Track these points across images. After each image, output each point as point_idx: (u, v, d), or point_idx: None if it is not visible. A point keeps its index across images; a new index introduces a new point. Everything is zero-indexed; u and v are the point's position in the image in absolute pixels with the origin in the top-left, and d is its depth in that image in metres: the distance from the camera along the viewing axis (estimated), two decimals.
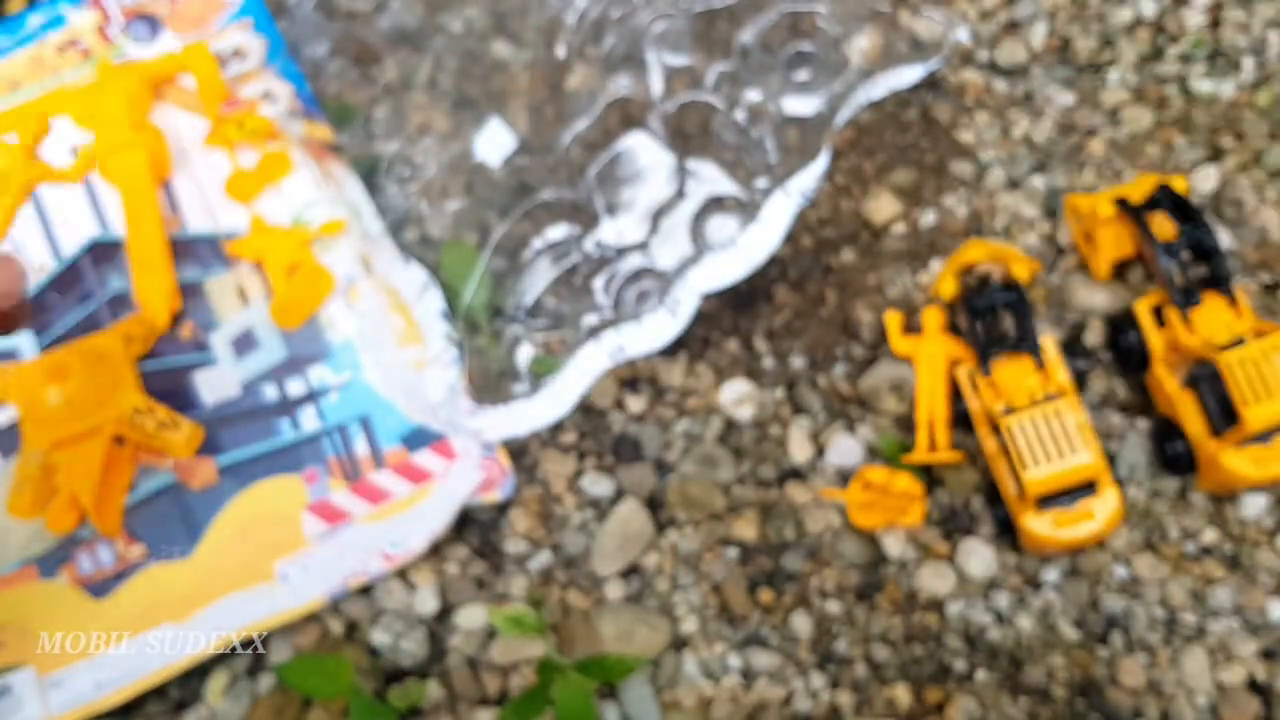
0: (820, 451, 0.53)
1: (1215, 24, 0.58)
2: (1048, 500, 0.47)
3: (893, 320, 0.53)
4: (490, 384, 0.55)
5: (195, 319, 0.56)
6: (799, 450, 0.53)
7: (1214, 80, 0.57)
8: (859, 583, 0.50)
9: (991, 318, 0.51)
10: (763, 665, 0.49)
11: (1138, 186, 0.50)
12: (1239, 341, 0.46)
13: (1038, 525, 0.47)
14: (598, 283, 0.56)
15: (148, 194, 0.57)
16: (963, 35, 0.57)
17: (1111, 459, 0.50)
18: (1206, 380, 0.48)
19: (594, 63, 0.59)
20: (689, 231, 0.56)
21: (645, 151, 0.56)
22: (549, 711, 0.47)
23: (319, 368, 0.55)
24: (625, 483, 0.53)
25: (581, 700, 0.47)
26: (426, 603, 0.51)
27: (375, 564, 0.51)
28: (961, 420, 0.51)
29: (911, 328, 0.54)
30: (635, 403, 0.55)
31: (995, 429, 0.49)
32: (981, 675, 0.48)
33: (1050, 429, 0.46)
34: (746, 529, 0.52)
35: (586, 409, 0.55)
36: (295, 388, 0.55)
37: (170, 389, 0.55)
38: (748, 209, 0.55)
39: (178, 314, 0.56)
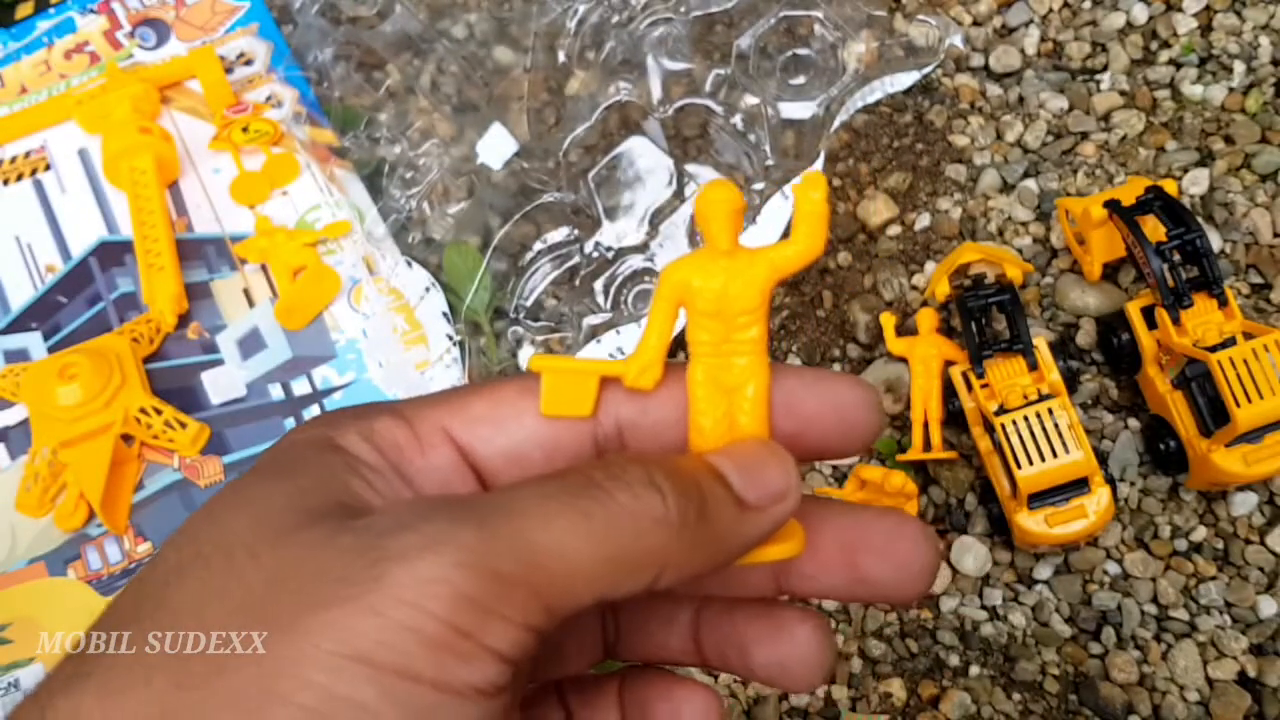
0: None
1: (1206, 29, 0.59)
2: (1040, 498, 0.48)
3: (888, 321, 0.54)
4: None
5: (202, 320, 0.57)
6: None
7: (1205, 85, 0.58)
8: None
9: (985, 319, 0.52)
10: None
11: (1129, 189, 0.51)
12: (1229, 342, 0.47)
13: (1030, 523, 0.47)
14: (598, 284, 0.56)
15: (155, 196, 0.58)
16: (957, 40, 0.58)
17: (1103, 458, 0.51)
18: (1197, 380, 0.48)
19: (594, 68, 0.60)
20: (687, 234, 0.57)
21: (644, 155, 0.57)
22: None
23: (324, 368, 0.56)
24: None
25: None
26: None
27: None
28: (955, 419, 0.52)
29: (907, 329, 0.55)
30: None
31: (989, 428, 0.49)
32: (975, 670, 0.49)
33: (1043, 428, 0.47)
34: None
35: None
36: (300, 388, 0.56)
37: (177, 389, 0.55)
38: (745, 211, 0.56)
39: (184, 315, 0.57)
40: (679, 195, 0.57)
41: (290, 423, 0.55)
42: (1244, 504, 0.49)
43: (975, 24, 0.61)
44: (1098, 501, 0.47)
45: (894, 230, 0.58)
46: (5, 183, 0.61)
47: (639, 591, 0.20)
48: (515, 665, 0.18)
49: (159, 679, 0.17)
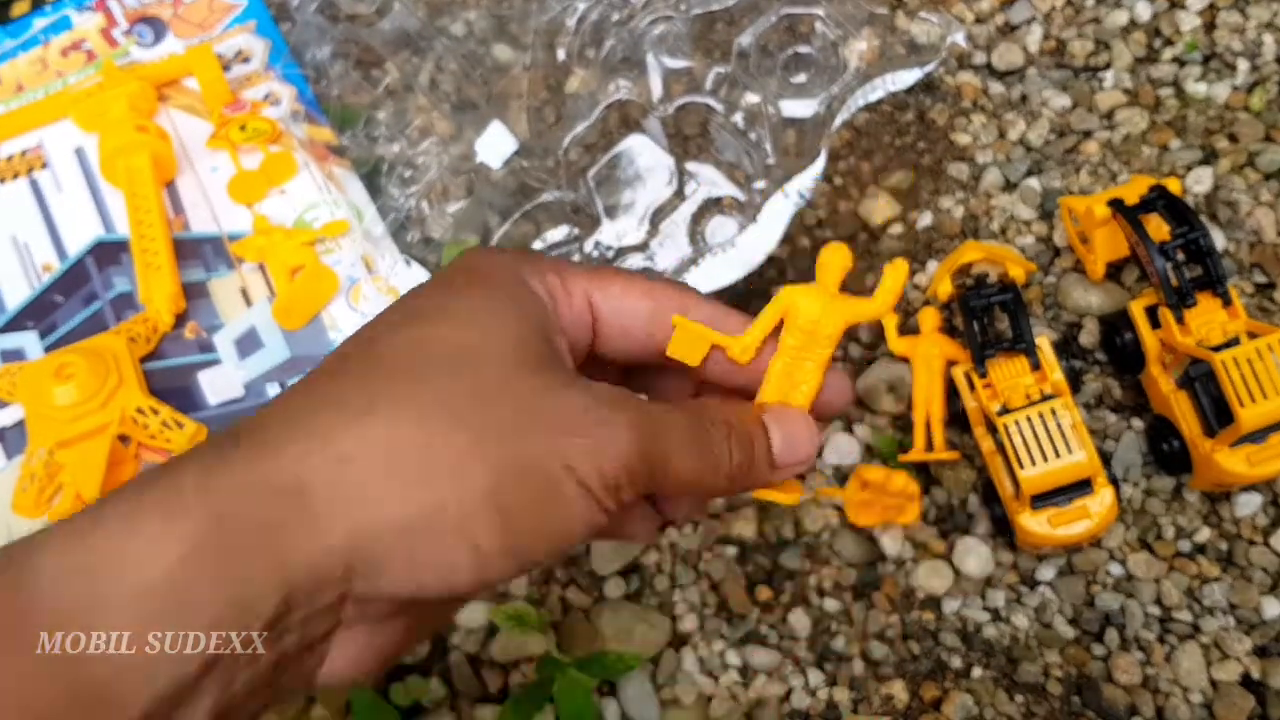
0: (818, 450, 0.53)
1: (1210, 27, 0.59)
2: (1043, 499, 0.47)
3: (890, 321, 0.54)
4: None
5: (199, 319, 0.57)
6: None
7: (1208, 83, 0.57)
8: (856, 581, 0.51)
9: (988, 318, 0.51)
10: (761, 662, 0.50)
11: (1132, 188, 0.51)
12: (1233, 342, 0.47)
13: (1033, 524, 0.47)
14: None
15: (152, 195, 0.58)
16: (959, 38, 0.57)
17: (1107, 458, 0.51)
18: (1201, 380, 0.48)
19: (594, 65, 0.60)
20: (688, 233, 0.56)
21: (644, 153, 0.57)
22: (549, 708, 0.48)
23: None
24: None
25: (581, 697, 0.48)
26: None
27: None
28: (958, 420, 0.52)
29: (909, 328, 0.54)
30: None
31: (991, 429, 0.49)
32: (978, 672, 0.48)
33: (1046, 428, 0.47)
34: (745, 528, 0.52)
35: None
36: None
37: (174, 389, 0.55)
38: (746, 210, 0.56)
39: (181, 314, 0.57)
40: (679, 194, 0.57)
41: None
42: (1248, 505, 0.49)
43: (978, 21, 0.61)
44: (1101, 502, 0.47)
45: (896, 229, 0.57)
46: (1, 181, 0.61)
47: (684, 494, 0.33)
48: (622, 509, 0.28)
49: (435, 412, 0.25)
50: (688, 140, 0.58)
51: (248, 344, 0.56)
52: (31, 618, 0.21)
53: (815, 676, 0.49)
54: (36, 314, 0.58)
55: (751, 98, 0.57)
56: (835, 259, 0.32)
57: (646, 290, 0.31)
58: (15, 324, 0.58)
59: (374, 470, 0.24)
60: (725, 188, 0.56)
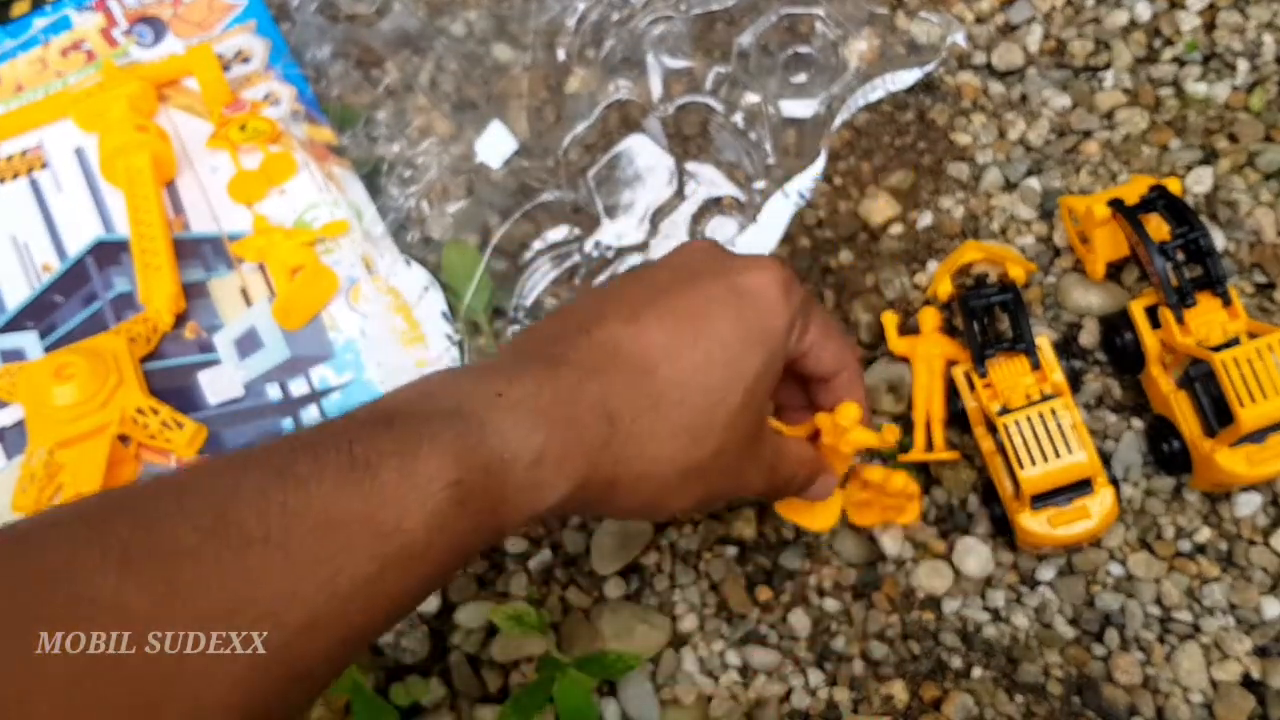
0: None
1: (1210, 27, 0.59)
2: (1043, 499, 0.47)
3: (890, 320, 0.54)
4: None
5: (199, 319, 0.57)
6: None
7: (1208, 83, 0.57)
8: (856, 581, 0.51)
9: (988, 318, 0.51)
10: (761, 662, 0.50)
11: (1132, 188, 0.51)
12: (1233, 342, 0.47)
13: (1033, 524, 0.47)
14: (598, 283, 0.56)
15: (152, 195, 0.58)
16: (959, 38, 0.57)
17: (1107, 458, 0.51)
18: (1201, 380, 0.48)
19: (594, 65, 0.60)
20: (688, 233, 0.56)
21: (644, 153, 0.57)
22: (549, 708, 0.48)
23: (321, 368, 0.55)
24: None
25: (581, 697, 0.48)
26: (428, 601, 0.52)
27: None
28: (958, 420, 0.52)
29: (909, 328, 0.54)
30: None
31: (991, 429, 0.49)
32: (978, 672, 0.48)
33: (1046, 429, 0.47)
34: (745, 528, 0.52)
35: None
36: (298, 388, 0.55)
37: (174, 389, 0.55)
38: (746, 210, 0.56)
39: (181, 314, 0.57)
40: (679, 194, 0.57)
41: (288, 423, 0.54)
42: (1248, 505, 0.49)
43: (978, 21, 0.61)
44: (1101, 502, 0.47)
45: (896, 229, 0.57)
46: (1, 181, 0.61)
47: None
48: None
49: (700, 421, 0.37)
50: (688, 140, 0.58)
51: (248, 344, 0.56)
52: (486, 463, 0.32)
53: (815, 676, 0.49)
54: (36, 314, 0.58)
55: (751, 98, 0.57)
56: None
57: (840, 353, 0.43)
58: (15, 324, 0.58)
59: (656, 435, 0.35)
60: (725, 188, 0.57)
